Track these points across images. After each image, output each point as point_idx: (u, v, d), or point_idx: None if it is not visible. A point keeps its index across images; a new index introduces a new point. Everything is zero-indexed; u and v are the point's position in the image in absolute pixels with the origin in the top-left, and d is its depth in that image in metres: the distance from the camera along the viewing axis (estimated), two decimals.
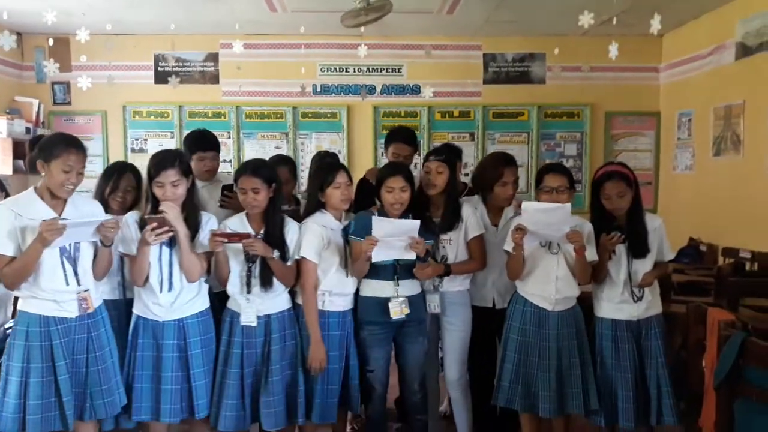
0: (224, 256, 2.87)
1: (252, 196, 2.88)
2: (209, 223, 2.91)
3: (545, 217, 2.91)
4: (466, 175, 6.57)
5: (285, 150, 6.54)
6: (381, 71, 6.68)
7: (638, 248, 3.04)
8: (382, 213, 3.06)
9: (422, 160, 3.37)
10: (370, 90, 6.64)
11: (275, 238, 2.91)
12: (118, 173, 3.09)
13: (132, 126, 6.64)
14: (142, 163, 3.07)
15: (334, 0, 4.89)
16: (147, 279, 2.79)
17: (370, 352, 3.08)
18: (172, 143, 6.55)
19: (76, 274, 2.64)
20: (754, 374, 2.46)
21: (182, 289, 2.84)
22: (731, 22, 5.33)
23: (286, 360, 2.96)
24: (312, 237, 2.98)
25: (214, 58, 6.61)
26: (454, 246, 3.22)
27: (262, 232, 2.92)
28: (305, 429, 3.18)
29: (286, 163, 3.63)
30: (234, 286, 2.93)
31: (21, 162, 5.97)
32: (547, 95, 6.69)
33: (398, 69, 6.68)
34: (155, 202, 2.78)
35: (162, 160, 2.79)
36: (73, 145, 2.62)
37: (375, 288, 3.07)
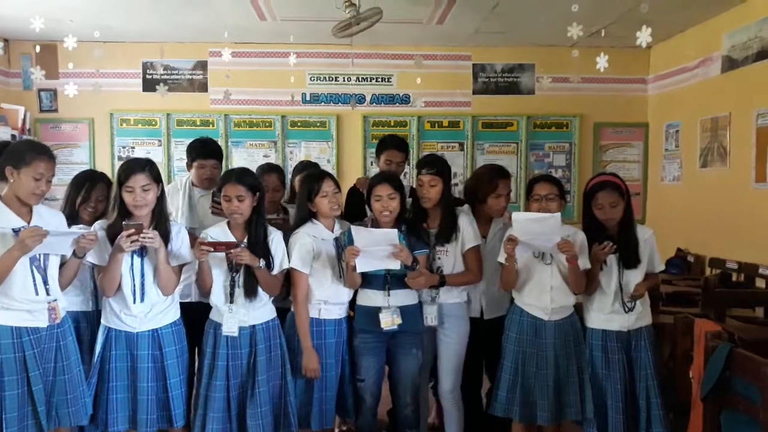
0: (207, 266, 2.84)
1: (236, 204, 2.85)
2: (180, 233, 2.87)
3: (535, 227, 2.90)
4: (456, 185, 6.62)
5: (274, 159, 6.52)
6: (371, 80, 6.69)
7: (629, 259, 3.04)
8: (375, 223, 3.06)
9: (415, 173, 3.35)
10: (360, 99, 6.64)
11: (259, 247, 2.88)
12: (90, 183, 3.01)
13: (119, 134, 6.60)
14: None
15: (323, 9, 4.89)
16: (118, 289, 2.74)
17: (361, 360, 3.06)
18: (159, 151, 6.52)
19: (45, 283, 2.60)
20: (740, 385, 2.46)
21: (156, 300, 2.80)
22: (718, 36, 5.39)
23: (273, 370, 2.93)
24: (301, 248, 2.98)
25: (202, 66, 6.59)
26: (450, 257, 3.19)
27: (245, 241, 2.89)
28: None
29: (276, 171, 3.61)
30: (217, 297, 2.90)
31: None
32: (536, 106, 6.72)
33: (388, 78, 6.70)
34: (123, 209, 2.73)
35: (132, 165, 2.75)
36: (43, 152, 2.59)
37: (369, 297, 3.06)
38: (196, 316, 3.02)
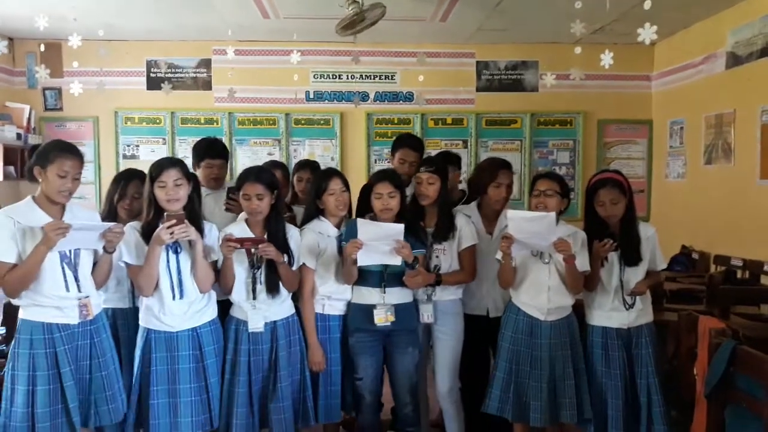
0: (232, 263, 2.86)
1: (256, 203, 2.88)
2: (212, 231, 2.91)
3: (530, 225, 2.89)
4: (460, 182, 6.60)
5: (278, 157, 6.53)
6: (374, 78, 6.69)
7: (631, 256, 3.03)
8: (375, 220, 3.06)
9: (414, 171, 3.36)
10: (364, 97, 6.65)
11: (280, 243, 2.91)
12: (125, 180, 3.07)
13: (124, 132, 6.61)
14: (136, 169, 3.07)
15: (326, 7, 4.89)
16: (155, 288, 2.75)
17: (358, 359, 3.08)
18: (164, 149, 6.54)
19: (76, 279, 2.62)
20: (744, 382, 2.46)
21: (195, 297, 2.82)
22: (722, 32, 5.37)
23: (293, 365, 2.97)
24: (307, 243, 3.04)
25: (206, 64, 6.60)
26: (447, 256, 3.20)
27: (265, 237, 2.92)
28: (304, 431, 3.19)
29: (280, 168, 3.63)
30: (239, 294, 2.92)
31: (11, 168, 5.95)
32: (540, 103, 6.71)
33: (391, 76, 6.70)
34: (157, 207, 2.75)
35: (164, 162, 2.79)
36: (68, 150, 2.61)
37: (363, 294, 3.08)
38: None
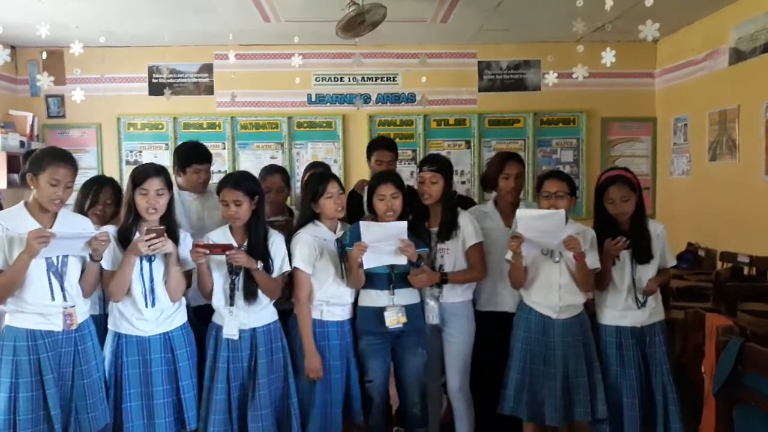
0: (206, 268, 2.85)
1: (233, 209, 2.86)
2: (186, 239, 2.89)
3: (540, 223, 2.88)
4: (463, 183, 6.61)
5: (281, 160, 6.54)
6: (376, 80, 6.69)
7: (642, 254, 3.02)
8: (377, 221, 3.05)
9: (417, 170, 3.36)
10: (366, 99, 6.64)
11: (259, 250, 2.88)
12: (97, 186, 3.05)
13: (126, 138, 6.63)
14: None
15: (327, 9, 4.89)
16: (127, 294, 2.74)
17: (368, 362, 3.06)
18: (166, 155, 6.52)
19: (62, 289, 2.61)
20: (753, 380, 2.43)
21: (166, 304, 2.81)
22: (725, 28, 5.35)
23: (275, 373, 2.93)
24: (304, 247, 2.99)
25: (208, 69, 6.61)
26: (452, 255, 3.19)
27: (245, 243, 2.90)
28: None
29: (279, 171, 3.61)
30: (218, 299, 2.91)
31: (15, 176, 5.95)
32: (543, 102, 6.69)
33: (393, 77, 6.69)
34: (136, 213, 2.75)
35: (147, 169, 2.79)
36: (61, 158, 2.60)
37: (372, 297, 3.05)
38: (200, 319, 3.03)
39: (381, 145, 3.93)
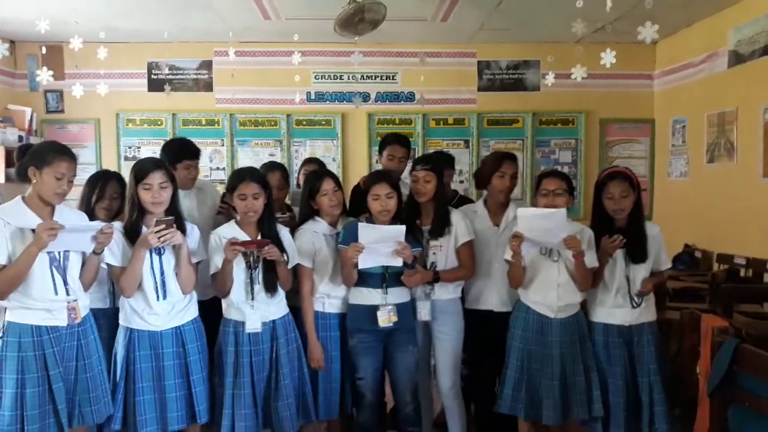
0: (232, 266, 2.86)
1: (252, 202, 2.89)
2: (193, 231, 2.92)
3: (541, 222, 2.89)
4: (461, 182, 6.61)
5: (279, 157, 6.53)
6: (375, 78, 6.69)
7: (637, 253, 3.03)
8: (371, 221, 3.06)
9: (411, 169, 3.37)
10: (365, 97, 6.64)
11: (275, 243, 2.91)
12: (103, 181, 3.07)
13: (125, 134, 6.62)
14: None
15: (327, 7, 4.89)
16: (138, 288, 2.76)
17: (360, 360, 3.08)
18: None
19: (65, 283, 2.61)
20: (747, 381, 2.45)
21: (178, 298, 2.83)
22: (724, 30, 5.35)
23: (292, 362, 2.99)
24: (303, 243, 3.07)
25: (207, 65, 6.61)
26: (443, 253, 3.20)
27: (258, 238, 2.92)
28: (306, 428, 3.20)
29: (279, 168, 3.62)
30: (238, 295, 2.92)
31: (13, 170, 5.95)
32: (542, 102, 6.70)
33: (392, 76, 6.69)
34: (140, 208, 2.76)
35: (149, 163, 2.80)
36: (65, 153, 2.61)
37: (364, 296, 3.07)
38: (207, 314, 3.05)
39: (394, 140, 3.95)
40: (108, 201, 3.04)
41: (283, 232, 3.04)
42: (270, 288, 2.92)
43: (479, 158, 6.60)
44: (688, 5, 5.26)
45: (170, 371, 2.80)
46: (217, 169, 6.62)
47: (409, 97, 6.70)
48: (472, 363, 3.41)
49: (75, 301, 2.64)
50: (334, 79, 6.67)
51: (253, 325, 2.90)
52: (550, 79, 4.54)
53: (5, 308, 2.60)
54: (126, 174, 2.91)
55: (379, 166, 6.37)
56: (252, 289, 2.90)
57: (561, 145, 6.78)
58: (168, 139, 6.46)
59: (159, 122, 6.61)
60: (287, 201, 3.80)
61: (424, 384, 3.37)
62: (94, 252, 2.66)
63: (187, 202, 3.48)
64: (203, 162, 6.54)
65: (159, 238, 2.66)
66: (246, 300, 2.91)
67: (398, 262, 2.95)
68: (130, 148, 6.62)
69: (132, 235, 2.74)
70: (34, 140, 6.21)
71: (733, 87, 5.28)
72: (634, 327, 3.04)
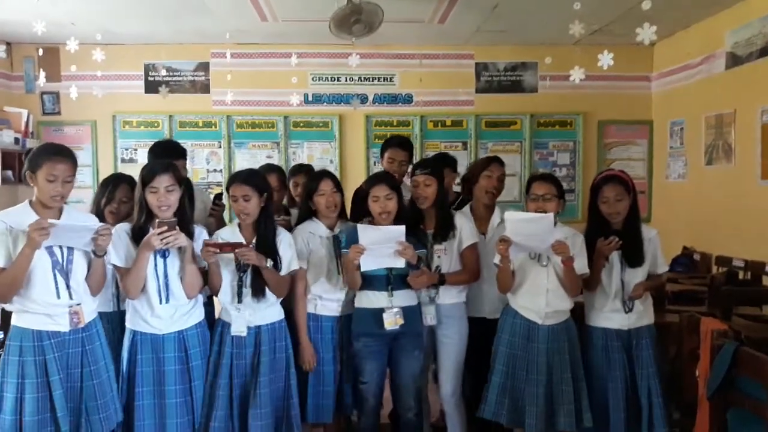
0: (217, 266, 2.84)
1: (243, 204, 2.86)
2: (201, 235, 2.89)
3: (528, 227, 2.87)
4: (458, 183, 6.59)
5: (276, 160, 6.52)
6: (373, 80, 6.68)
7: (633, 256, 3.00)
8: (373, 224, 3.04)
9: (410, 174, 3.36)
10: (362, 99, 6.63)
11: (268, 248, 2.88)
12: (113, 184, 3.05)
13: (122, 136, 6.60)
14: (133, 173, 3.03)
15: (324, 9, 4.87)
16: (142, 291, 2.73)
17: (364, 364, 3.04)
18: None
19: (68, 287, 2.57)
20: (746, 384, 2.44)
21: (182, 301, 2.80)
22: (721, 32, 5.36)
23: (277, 372, 2.92)
24: (297, 243, 3.04)
25: (204, 67, 6.59)
26: (448, 256, 3.18)
27: (254, 241, 2.90)
28: None
29: (275, 171, 3.62)
30: (225, 296, 2.90)
31: (9, 172, 5.94)
32: (540, 104, 6.70)
33: (390, 78, 6.68)
34: (148, 211, 2.74)
35: (156, 167, 2.77)
36: (58, 153, 2.57)
37: (369, 299, 3.04)
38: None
39: (394, 143, 3.93)
40: (117, 204, 3.02)
41: (283, 236, 2.99)
42: (257, 292, 2.87)
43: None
44: (685, 7, 5.27)
45: (171, 376, 2.76)
46: (214, 171, 6.61)
47: (407, 99, 6.69)
48: (468, 370, 3.38)
49: (78, 305, 2.59)
50: (331, 80, 6.66)
51: (238, 328, 2.86)
52: (546, 84, 4.54)
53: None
54: (128, 173, 2.90)
55: (376, 168, 6.43)
56: (240, 292, 2.87)
57: (559, 147, 6.78)
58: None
59: (156, 124, 6.59)
60: (284, 203, 3.78)
61: (423, 389, 3.34)
62: (95, 254, 2.63)
63: None
64: (200, 164, 6.55)
65: (162, 240, 2.63)
66: (232, 302, 2.88)
67: (401, 263, 2.92)
68: (126, 150, 6.59)
69: (139, 237, 2.71)
70: (31, 142, 6.20)
71: (730, 89, 5.28)
72: (632, 331, 3.02)
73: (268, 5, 5.27)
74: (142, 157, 6.47)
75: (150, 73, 6.57)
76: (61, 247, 2.54)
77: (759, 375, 2.36)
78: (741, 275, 4.83)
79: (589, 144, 6.74)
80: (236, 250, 2.77)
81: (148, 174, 2.73)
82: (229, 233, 2.94)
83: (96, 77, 5.34)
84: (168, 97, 5.85)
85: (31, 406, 2.47)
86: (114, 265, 2.77)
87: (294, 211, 3.59)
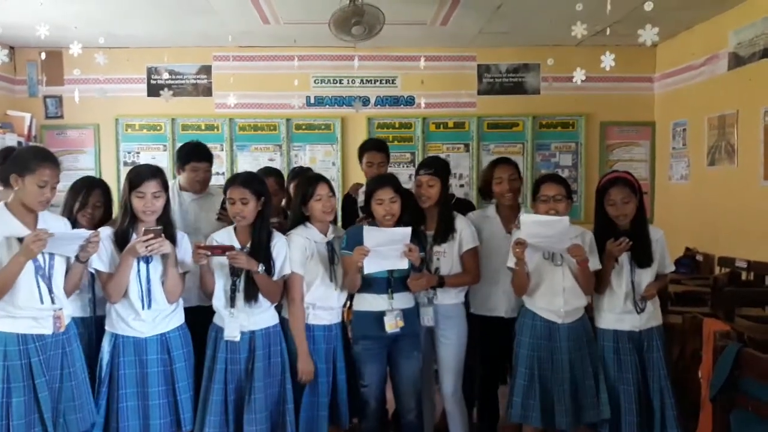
0: (207, 269, 2.84)
1: (240, 207, 2.85)
2: (183, 240, 2.89)
3: (544, 229, 2.87)
4: (461, 186, 6.60)
5: (279, 162, 6.53)
6: (375, 83, 6.68)
7: (642, 257, 3.01)
8: (373, 225, 3.03)
9: (414, 174, 3.36)
10: (364, 101, 6.63)
11: (262, 252, 2.87)
12: (87, 189, 3.00)
13: (125, 139, 6.62)
14: None
15: (327, 11, 4.88)
16: (124, 295, 2.74)
17: (364, 367, 3.04)
18: (164, 156, 6.54)
19: (50, 292, 2.60)
20: (749, 385, 2.43)
21: (163, 306, 2.81)
22: (724, 33, 5.35)
23: (272, 377, 2.91)
24: (296, 250, 2.97)
25: (206, 70, 6.60)
26: (448, 258, 3.18)
27: (248, 245, 2.89)
28: None
29: (273, 174, 3.62)
30: (219, 300, 2.89)
31: None
32: (542, 106, 6.69)
33: (392, 80, 6.68)
34: (132, 216, 2.75)
35: (144, 171, 2.78)
36: (48, 159, 2.58)
37: (369, 302, 3.04)
38: (197, 320, 3.01)
39: (371, 146, 3.93)
40: (91, 209, 2.97)
41: (277, 240, 2.94)
42: (249, 297, 2.85)
43: (480, 162, 6.59)
44: (688, 8, 5.26)
45: (154, 378, 2.77)
46: (217, 174, 6.57)
47: (409, 101, 6.69)
48: (479, 368, 3.37)
49: (60, 309, 2.63)
50: (333, 83, 6.66)
51: (231, 333, 2.84)
52: (548, 85, 4.54)
53: None
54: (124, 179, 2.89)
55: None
56: (233, 296, 2.86)
57: (561, 148, 6.77)
58: (167, 144, 6.50)
59: (158, 127, 6.60)
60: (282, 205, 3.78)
61: (426, 389, 3.35)
62: (78, 260, 2.65)
63: (195, 206, 3.48)
64: None
65: (147, 247, 2.64)
66: (225, 307, 2.87)
67: (404, 265, 2.93)
68: (129, 153, 6.61)
69: (122, 241, 2.72)
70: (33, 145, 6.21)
71: (733, 89, 5.27)
72: (644, 332, 3.03)
73: (270, 8, 5.27)
74: (145, 161, 6.49)
75: (152, 77, 6.59)
76: (43, 252, 2.55)
77: (762, 376, 2.35)
78: (744, 276, 4.82)
79: (591, 145, 6.72)
80: (227, 254, 2.77)
81: (136, 178, 2.73)
82: (225, 236, 2.92)
83: (99, 81, 5.36)
84: (170, 100, 5.86)
85: (18, 409, 2.49)
86: (96, 270, 2.77)
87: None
